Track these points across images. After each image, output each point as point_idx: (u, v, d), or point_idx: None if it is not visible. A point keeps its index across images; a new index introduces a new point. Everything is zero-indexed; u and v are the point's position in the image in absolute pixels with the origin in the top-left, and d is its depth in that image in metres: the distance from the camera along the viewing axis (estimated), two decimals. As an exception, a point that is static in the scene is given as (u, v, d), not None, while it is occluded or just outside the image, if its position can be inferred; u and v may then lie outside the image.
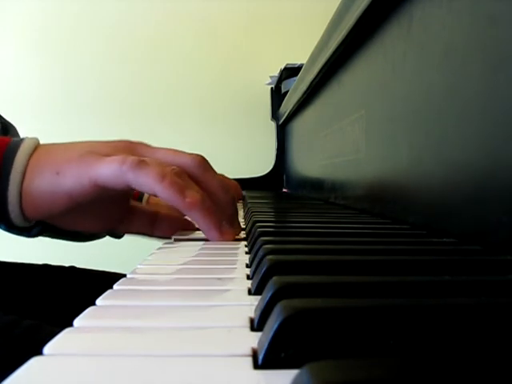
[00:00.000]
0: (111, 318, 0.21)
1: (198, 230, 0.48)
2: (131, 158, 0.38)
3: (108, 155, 0.40)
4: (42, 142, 0.48)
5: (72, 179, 0.39)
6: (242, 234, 0.46)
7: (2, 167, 0.40)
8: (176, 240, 0.45)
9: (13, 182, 0.40)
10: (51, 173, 0.40)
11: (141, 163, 0.38)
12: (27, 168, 0.40)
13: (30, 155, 0.41)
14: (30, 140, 0.43)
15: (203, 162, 0.42)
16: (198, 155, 0.43)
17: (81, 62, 1.76)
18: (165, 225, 0.50)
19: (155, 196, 0.39)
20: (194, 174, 0.41)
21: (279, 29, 1.75)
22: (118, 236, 0.62)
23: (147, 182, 0.37)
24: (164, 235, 0.49)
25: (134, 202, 0.51)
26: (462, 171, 0.34)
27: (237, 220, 0.45)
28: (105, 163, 0.38)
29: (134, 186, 0.38)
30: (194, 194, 0.38)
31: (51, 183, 0.40)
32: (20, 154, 0.41)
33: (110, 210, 0.47)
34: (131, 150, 0.42)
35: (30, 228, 0.46)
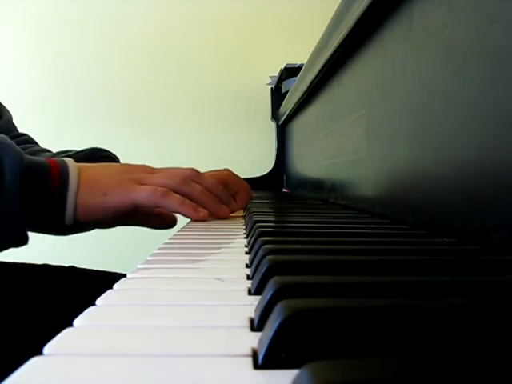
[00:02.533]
0: (111, 318, 0.21)
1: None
2: (160, 189, 0.54)
3: (138, 179, 0.56)
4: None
5: (117, 200, 0.53)
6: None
7: (60, 186, 0.52)
8: (187, 229, 0.56)
9: (70, 198, 0.52)
10: (99, 193, 0.53)
11: (167, 193, 0.54)
12: (79, 187, 0.53)
13: (78, 175, 0.53)
14: (71, 161, 0.54)
15: (196, 171, 0.61)
16: (190, 168, 0.61)
17: (81, 62, 1.76)
18: (154, 218, 0.65)
19: (177, 213, 0.57)
20: (195, 180, 0.59)
21: (279, 29, 1.75)
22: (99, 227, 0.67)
23: (173, 205, 0.55)
24: (155, 226, 0.66)
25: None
26: (462, 171, 0.34)
27: (231, 200, 0.65)
28: (141, 190, 0.54)
29: (162, 208, 0.56)
30: (202, 210, 0.58)
31: (101, 201, 0.53)
32: (71, 175, 0.53)
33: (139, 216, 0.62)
34: (150, 171, 0.59)
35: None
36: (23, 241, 0.52)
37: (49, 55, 1.77)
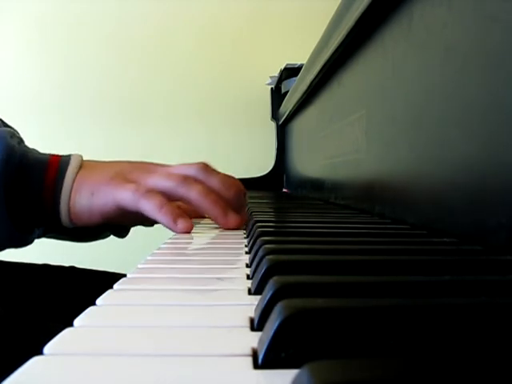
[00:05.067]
0: (111, 318, 0.21)
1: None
2: (141, 188, 0.47)
3: (131, 177, 0.50)
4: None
5: (101, 200, 0.49)
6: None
7: (55, 187, 0.49)
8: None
9: (63, 200, 0.49)
10: (88, 193, 0.49)
11: (147, 193, 0.47)
12: (72, 188, 0.49)
13: (76, 175, 0.50)
14: (75, 159, 0.51)
15: (205, 167, 0.51)
16: (200, 163, 0.51)
17: (81, 62, 1.76)
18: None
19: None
20: (200, 179, 0.50)
21: (279, 29, 1.75)
22: (121, 236, 0.63)
23: (150, 210, 0.47)
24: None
25: None
26: (462, 171, 0.34)
27: (242, 211, 0.53)
28: (123, 189, 0.48)
29: (142, 212, 0.47)
30: (183, 221, 0.48)
31: (87, 202, 0.49)
32: (68, 176, 0.50)
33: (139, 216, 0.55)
34: (153, 170, 0.51)
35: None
36: (20, 242, 0.50)
37: (49, 55, 1.77)
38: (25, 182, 0.48)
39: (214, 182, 0.50)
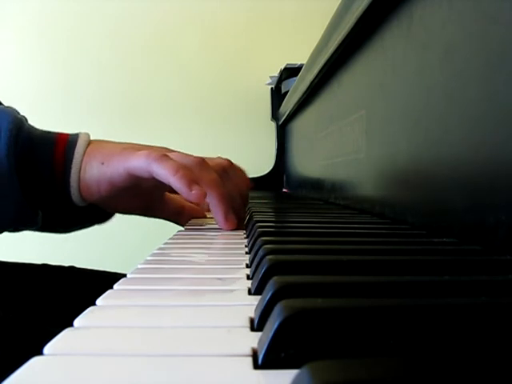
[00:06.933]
0: (111, 318, 0.21)
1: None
2: (155, 152, 0.46)
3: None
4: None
5: (112, 169, 0.48)
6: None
7: (65, 159, 0.49)
8: (187, 229, 0.53)
9: (73, 172, 0.49)
10: (98, 163, 0.49)
11: (162, 157, 0.45)
12: (83, 159, 0.50)
13: (86, 148, 0.50)
14: (84, 135, 0.52)
15: (228, 164, 0.53)
16: (223, 159, 0.54)
17: (81, 62, 1.76)
18: (187, 216, 0.62)
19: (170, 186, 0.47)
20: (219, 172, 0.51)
21: (279, 29, 1.75)
22: (102, 221, 0.64)
23: (164, 173, 0.45)
24: (166, 215, 0.61)
25: (169, 195, 0.60)
26: (462, 171, 0.34)
27: (242, 211, 0.54)
28: (135, 155, 0.47)
29: (155, 176, 0.46)
30: (199, 188, 0.45)
31: (98, 171, 0.49)
32: (78, 148, 0.50)
33: (145, 197, 0.57)
34: (165, 151, 0.50)
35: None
36: (28, 220, 0.50)
37: (49, 55, 1.77)
38: (35, 155, 0.49)
39: (231, 185, 0.53)
